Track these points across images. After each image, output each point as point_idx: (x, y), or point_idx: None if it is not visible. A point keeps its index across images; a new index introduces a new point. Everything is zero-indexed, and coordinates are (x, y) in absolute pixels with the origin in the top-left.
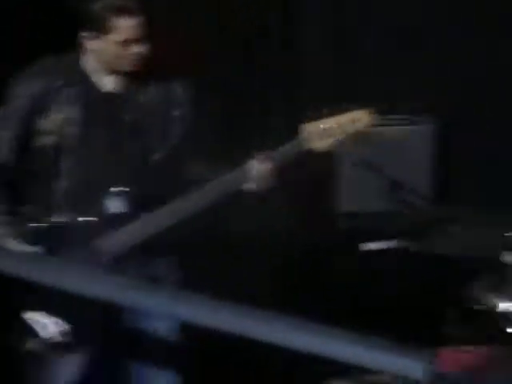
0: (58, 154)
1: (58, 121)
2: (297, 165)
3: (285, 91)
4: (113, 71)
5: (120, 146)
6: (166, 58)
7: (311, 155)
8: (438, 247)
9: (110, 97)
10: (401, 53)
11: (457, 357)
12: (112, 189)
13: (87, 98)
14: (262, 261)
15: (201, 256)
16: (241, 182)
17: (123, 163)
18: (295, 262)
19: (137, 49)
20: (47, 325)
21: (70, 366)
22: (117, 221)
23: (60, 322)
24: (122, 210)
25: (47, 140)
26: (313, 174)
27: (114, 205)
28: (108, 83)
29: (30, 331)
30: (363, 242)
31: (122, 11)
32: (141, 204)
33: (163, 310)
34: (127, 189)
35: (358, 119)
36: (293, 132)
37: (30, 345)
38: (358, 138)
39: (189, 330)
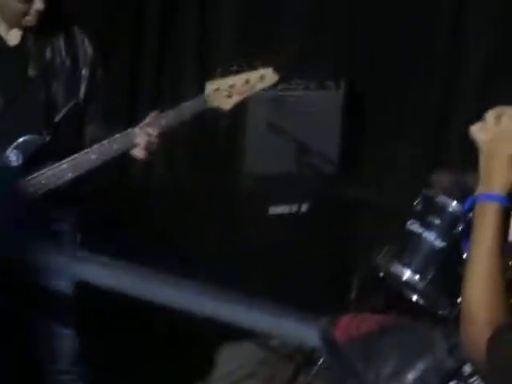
0: None
1: None
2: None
3: (195, 52)
4: (16, 26)
5: (24, 100)
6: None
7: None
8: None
9: (14, 51)
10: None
11: (353, 324)
12: (15, 142)
13: None
14: (164, 220)
15: (100, 213)
16: (128, 145)
17: (27, 117)
18: (199, 224)
19: (37, 5)
20: None
21: None
22: (18, 172)
23: None
24: (24, 162)
25: None
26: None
27: (17, 157)
28: (13, 38)
29: None
30: (268, 205)
31: None
32: (44, 158)
33: (63, 267)
34: (30, 141)
35: (263, 77)
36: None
37: None
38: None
39: (85, 289)
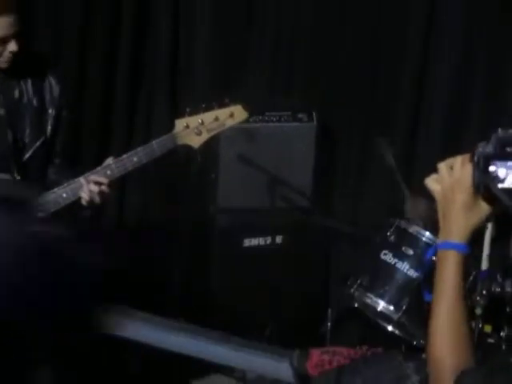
0: None
1: None
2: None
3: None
4: None
5: None
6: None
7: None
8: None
9: None
10: (279, 51)
11: (325, 358)
12: None
13: None
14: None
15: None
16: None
17: None
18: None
19: (11, 47)
20: None
21: None
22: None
23: None
24: None
25: None
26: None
27: None
28: None
29: None
30: (243, 238)
31: None
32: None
33: None
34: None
35: (233, 114)
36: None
37: None
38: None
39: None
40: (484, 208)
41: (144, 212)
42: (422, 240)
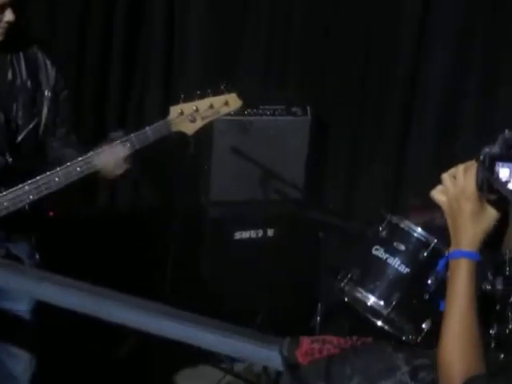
0: None
1: None
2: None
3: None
4: None
5: None
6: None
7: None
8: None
9: None
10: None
11: (315, 347)
12: None
13: None
14: (130, 247)
15: (62, 237)
16: (97, 164)
17: None
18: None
19: (8, 16)
20: None
21: None
22: None
23: None
24: None
25: None
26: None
27: None
28: None
29: None
30: (234, 230)
31: None
32: (6, 179)
33: (24, 290)
34: None
35: (228, 102)
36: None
37: None
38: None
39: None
40: (492, 213)
41: (137, 200)
42: (413, 235)
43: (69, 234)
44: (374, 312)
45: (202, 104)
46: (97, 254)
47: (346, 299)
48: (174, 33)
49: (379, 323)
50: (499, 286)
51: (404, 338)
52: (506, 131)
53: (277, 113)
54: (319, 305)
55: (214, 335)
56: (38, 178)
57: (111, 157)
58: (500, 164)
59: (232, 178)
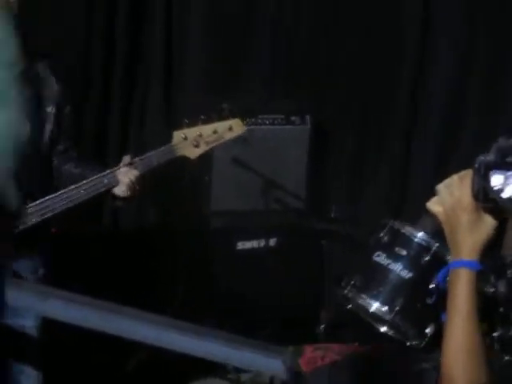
0: None
1: None
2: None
3: (163, 96)
4: None
5: None
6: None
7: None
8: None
9: None
10: (274, 54)
11: (317, 354)
12: None
13: None
14: (135, 262)
15: (68, 255)
16: (110, 184)
17: None
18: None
19: None
20: None
21: None
22: None
23: None
24: None
25: None
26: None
27: None
28: None
29: None
30: (236, 241)
31: None
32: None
33: (29, 306)
34: None
35: (232, 127)
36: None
37: None
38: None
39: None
40: (489, 222)
41: (139, 215)
42: (414, 241)
43: (75, 250)
44: (378, 318)
45: (206, 129)
46: (102, 269)
47: (349, 306)
48: (172, 45)
49: (383, 329)
50: (502, 289)
51: (408, 344)
52: (500, 139)
53: (276, 122)
54: (323, 313)
55: (217, 345)
56: (42, 200)
57: (127, 177)
58: (495, 172)
59: (233, 188)
